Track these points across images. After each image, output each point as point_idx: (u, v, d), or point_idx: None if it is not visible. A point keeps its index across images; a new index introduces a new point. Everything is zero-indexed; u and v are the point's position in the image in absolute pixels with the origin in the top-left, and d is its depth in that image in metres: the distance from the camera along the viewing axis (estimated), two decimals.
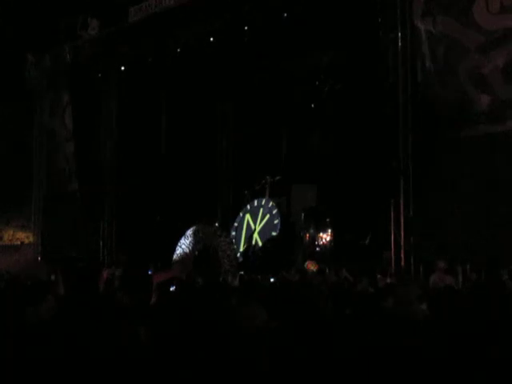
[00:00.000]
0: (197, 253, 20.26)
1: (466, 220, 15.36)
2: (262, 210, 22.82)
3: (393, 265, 16.45)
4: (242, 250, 22.42)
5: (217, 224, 23.63)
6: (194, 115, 24.73)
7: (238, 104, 24.70)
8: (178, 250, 20.68)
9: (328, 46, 20.83)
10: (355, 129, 20.41)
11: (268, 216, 22.49)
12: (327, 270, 16.31)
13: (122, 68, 24.18)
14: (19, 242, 26.93)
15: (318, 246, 20.81)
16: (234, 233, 23.33)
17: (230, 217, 24.69)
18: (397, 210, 17.02)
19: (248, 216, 23.23)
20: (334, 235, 20.73)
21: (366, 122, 19.50)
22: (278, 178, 22.86)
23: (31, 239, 26.68)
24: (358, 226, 19.64)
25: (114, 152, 24.75)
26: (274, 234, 22.01)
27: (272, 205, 22.49)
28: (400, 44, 17.41)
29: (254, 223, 22.89)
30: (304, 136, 23.17)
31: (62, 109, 25.74)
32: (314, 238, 20.94)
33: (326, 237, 20.82)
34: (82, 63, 24.68)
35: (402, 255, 16.58)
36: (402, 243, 16.68)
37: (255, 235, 22.63)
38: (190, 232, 20.90)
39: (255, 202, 23.16)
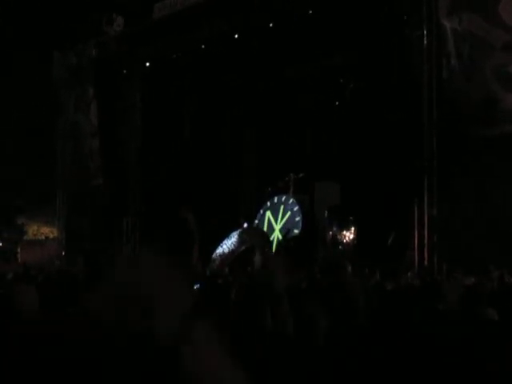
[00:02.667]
0: (238, 253, 20.15)
1: (491, 219, 15.28)
2: (282, 206, 22.74)
3: (416, 264, 16.38)
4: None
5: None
6: (218, 111, 24.74)
7: (263, 101, 24.64)
8: (219, 250, 20.64)
9: (353, 44, 20.73)
10: (379, 126, 20.31)
11: (289, 213, 22.41)
12: (350, 268, 16.20)
13: (147, 64, 24.26)
14: (44, 237, 27.10)
15: (341, 244, 20.74)
16: None
17: (253, 214, 24.64)
18: (421, 209, 16.96)
19: (269, 213, 23.16)
20: (357, 233, 20.66)
21: (390, 120, 19.41)
22: (301, 175, 22.78)
23: (56, 234, 26.84)
24: (382, 225, 19.54)
25: (139, 147, 24.83)
26: (295, 231, 21.93)
27: (293, 201, 22.40)
28: (425, 42, 17.34)
29: (276, 220, 22.83)
30: (327, 134, 23.10)
31: (86, 104, 25.86)
32: (337, 236, 20.86)
33: (349, 235, 20.75)
34: (107, 59, 24.80)
35: (426, 254, 16.52)
36: (426, 242, 16.62)
37: (276, 233, 22.57)
38: (234, 233, 20.87)
39: (275, 199, 23.08)
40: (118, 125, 25.06)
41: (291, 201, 22.41)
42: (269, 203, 23.16)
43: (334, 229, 20.82)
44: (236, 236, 20.54)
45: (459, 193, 16.09)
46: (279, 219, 22.63)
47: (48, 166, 26.43)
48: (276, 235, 22.37)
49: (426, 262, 16.39)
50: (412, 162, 17.40)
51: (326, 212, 21.30)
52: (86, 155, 25.94)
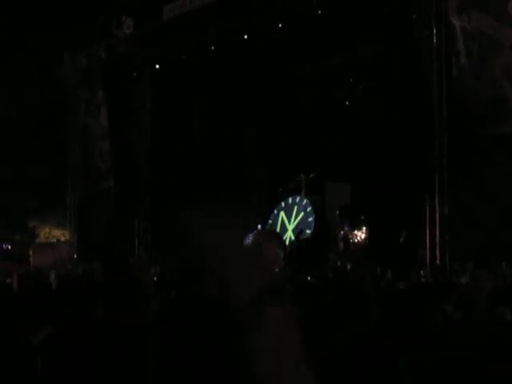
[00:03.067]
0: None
1: (503, 217, 15.27)
2: (296, 207, 22.78)
3: (428, 263, 16.39)
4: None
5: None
6: (228, 112, 24.77)
7: (274, 102, 24.66)
8: None
9: (362, 43, 20.75)
10: (390, 126, 20.32)
11: (302, 213, 22.44)
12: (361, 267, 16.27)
13: (157, 66, 24.33)
14: (55, 240, 27.17)
15: (353, 243, 20.76)
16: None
17: (264, 215, 24.67)
18: (432, 208, 16.97)
19: (282, 213, 23.20)
20: (368, 233, 20.67)
21: (400, 119, 19.42)
22: (312, 175, 22.80)
23: (67, 237, 26.92)
24: (393, 224, 19.56)
25: (149, 149, 24.89)
26: (308, 231, 21.97)
27: (306, 202, 22.43)
28: (435, 41, 17.34)
29: (289, 221, 22.87)
30: (338, 134, 23.11)
31: (96, 107, 25.94)
32: (349, 235, 20.88)
33: (360, 234, 20.76)
34: (117, 61, 24.88)
35: (438, 253, 16.52)
36: (438, 241, 16.63)
37: (289, 233, 22.61)
38: (250, 234, 20.93)
39: (290, 200, 23.12)
40: (127, 126, 25.14)
41: (305, 201, 22.46)
42: (283, 203, 23.23)
43: (346, 228, 20.84)
44: (251, 237, 20.56)
45: (470, 191, 16.09)
46: (292, 219, 22.68)
47: (59, 168, 26.51)
48: (289, 235, 22.41)
49: (437, 261, 16.39)
50: (422, 160, 17.41)
51: (337, 212, 21.33)
52: (96, 157, 26.01)
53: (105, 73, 25.42)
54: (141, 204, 24.79)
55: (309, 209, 22.27)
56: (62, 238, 27.18)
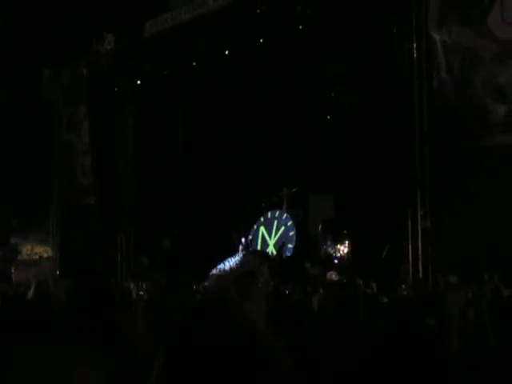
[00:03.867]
0: (236, 274, 20.02)
1: (485, 231, 15.29)
2: (276, 222, 22.77)
3: (411, 276, 16.39)
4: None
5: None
6: (211, 128, 24.75)
7: (255, 115, 24.67)
8: (220, 266, 20.64)
9: (343, 57, 20.81)
10: (372, 139, 20.37)
11: (283, 228, 22.43)
12: (345, 281, 16.23)
13: (138, 82, 24.29)
14: (38, 257, 27.03)
15: (336, 257, 20.75)
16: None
17: (247, 229, 24.64)
18: (414, 221, 16.98)
19: (262, 228, 23.18)
20: (351, 247, 20.67)
21: (382, 133, 19.47)
22: (294, 189, 22.80)
23: (50, 253, 26.80)
24: (376, 238, 19.57)
25: (131, 165, 24.82)
26: (290, 246, 21.95)
27: (286, 216, 22.42)
28: (415, 55, 17.39)
29: (270, 236, 22.85)
30: (320, 147, 23.13)
31: (78, 123, 25.89)
32: (332, 249, 20.87)
33: (343, 248, 20.76)
34: (99, 77, 24.82)
35: (420, 266, 16.53)
36: (420, 254, 16.64)
37: (271, 248, 22.58)
38: (240, 253, 20.91)
39: (269, 214, 23.10)
40: (109, 142, 25.05)
41: (285, 216, 22.44)
42: (262, 218, 23.19)
43: (329, 243, 20.84)
44: (241, 255, 20.58)
45: (452, 204, 16.12)
46: (273, 234, 22.65)
47: (42, 184, 26.42)
48: (270, 250, 22.38)
49: (420, 274, 16.39)
50: (404, 174, 17.43)
51: (320, 226, 21.32)
52: (79, 173, 25.94)
53: (86, 88, 25.36)
54: (124, 219, 24.69)
55: (289, 223, 22.25)
56: (45, 255, 27.05)
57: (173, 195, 24.61)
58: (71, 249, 25.69)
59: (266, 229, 23.03)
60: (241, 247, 22.14)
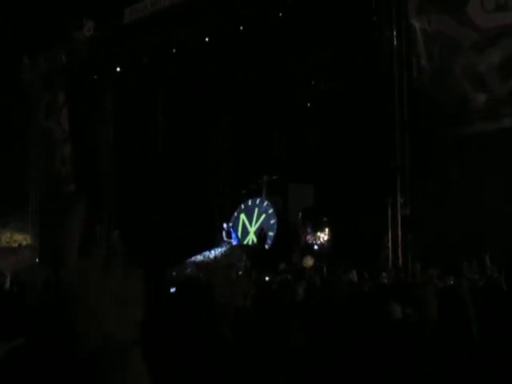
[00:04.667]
0: (220, 264, 20.16)
1: (463, 217, 15.36)
2: (257, 209, 22.82)
3: (390, 264, 16.44)
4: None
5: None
6: (191, 115, 24.69)
7: (235, 103, 24.64)
8: (205, 253, 20.75)
9: (324, 45, 20.80)
10: (352, 127, 20.39)
11: (264, 215, 22.49)
12: (324, 269, 16.32)
13: (118, 69, 24.16)
14: (17, 244, 26.88)
15: (316, 244, 20.80)
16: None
17: (227, 216, 24.65)
18: (394, 209, 17.03)
19: (243, 216, 23.24)
20: (331, 234, 20.73)
21: (362, 121, 19.49)
22: (274, 177, 22.84)
23: (29, 241, 26.65)
24: (356, 225, 19.62)
25: (111, 153, 24.71)
26: (271, 233, 22.00)
27: (267, 204, 22.48)
28: (395, 43, 17.41)
29: (250, 223, 22.89)
30: (300, 135, 23.15)
31: (57, 110, 25.71)
32: (312, 237, 20.92)
33: (323, 236, 20.82)
34: (78, 64, 24.65)
35: (400, 254, 16.59)
36: (400, 242, 16.69)
37: (251, 235, 22.63)
38: (228, 245, 21.05)
39: (249, 202, 23.16)
40: (89, 130, 24.91)
41: (265, 203, 22.50)
42: (243, 206, 23.23)
43: (308, 230, 20.89)
44: (226, 247, 20.63)
45: (432, 192, 16.17)
46: (254, 222, 22.69)
47: (20, 172, 26.26)
48: (251, 238, 22.42)
49: (400, 262, 16.45)
50: (384, 162, 17.47)
51: (300, 213, 21.37)
52: (57, 161, 25.78)
53: (65, 76, 25.19)
54: (103, 208, 24.58)
55: (270, 211, 22.32)
56: (24, 243, 26.90)
57: (153, 183, 24.55)
58: (50, 237, 25.55)
59: (246, 216, 23.08)
60: (224, 234, 22.23)
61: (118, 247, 20.39)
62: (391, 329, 5.43)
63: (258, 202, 22.88)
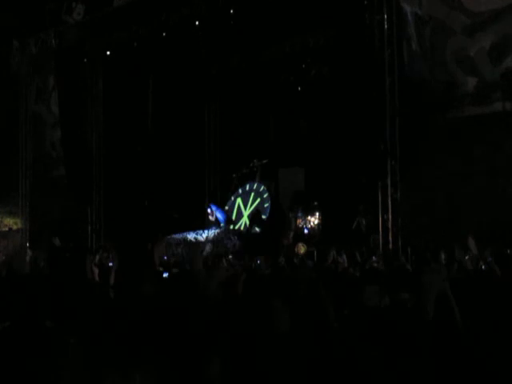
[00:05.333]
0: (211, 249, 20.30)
1: (454, 201, 15.42)
2: (253, 194, 22.89)
3: (380, 247, 16.49)
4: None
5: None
6: (181, 99, 24.65)
7: (225, 87, 24.62)
8: (192, 234, 20.84)
9: (314, 29, 20.76)
10: (342, 111, 20.40)
11: (259, 199, 22.57)
12: (315, 253, 16.39)
13: (108, 53, 24.06)
14: (7, 228, 26.85)
15: (307, 229, 20.83)
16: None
17: (218, 200, 24.67)
18: (384, 193, 17.06)
19: (239, 200, 23.31)
20: (321, 218, 20.77)
21: (352, 105, 19.50)
22: (265, 161, 22.86)
23: (19, 225, 26.63)
24: (346, 209, 19.67)
25: (101, 137, 24.65)
26: (263, 217, 22.06)
27: (263, 189, 22.56)
28: (386, 26, 17.38)
29: (245, 207, 22.96)
30: (291, 119, 23.16)
31: (47, 94, 25.61)
32: (302, 221, 20.96)
33: (313, 220, 20.85)
34: (68, 48, 24.54)
35: (390, 238, 16.63)
36: (390, 226, 16.74)
37: (245, 218, 22.69)
38: (222, 229, 21.21)
39: (247, 187, 23.25)
40: (79, 114, 24.84)
41: (262, 188, 22.60)
42: (240, 190, 23.35)
43: (299, 214, 20.93)
44: (220, 230, 20.75)
45: (422, 176, 16.23)
46: (248, 205, 22.78)
47: (10, 156, 26.20)
48: (244, 221, 22.52)
49: (390, 246, 16.50)
50: (375, 146, 17.48)
51: (291, 197, 21.42)
52: (47, 145, 25.71)
53: (55, 59, 25.09)
54: (94, 192, 24.56)
55: (265, 195, 22.40)
56: (14, 227, 26.87)
57: (143, 166, 24.55)
58: (41, 221, 25.51)
59: (242, 200, 23.18)
60: (209, 217, 22.34)
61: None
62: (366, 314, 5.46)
63: (255, 186, 22.97)
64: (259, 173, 22.84)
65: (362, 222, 19.45)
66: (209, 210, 22.96)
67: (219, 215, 22.69)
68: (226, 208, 23.46)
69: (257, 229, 21.77)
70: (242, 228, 22.59)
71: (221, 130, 25.82)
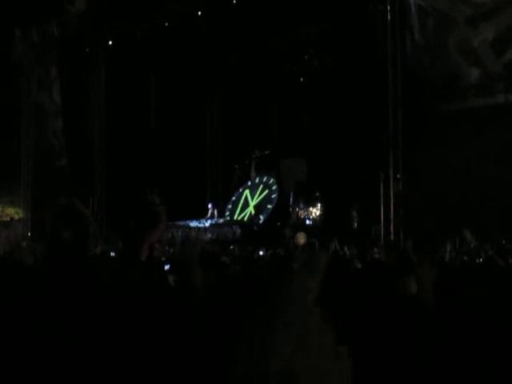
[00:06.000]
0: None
1: (455, 192, 15.39)
2: (261, 186, 23.01)
3: (382, 238, 16.48)
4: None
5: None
6: (183, 90, 24.61)
7: (228, 79, 24.58)
8: (195, 223, 21.01)
9: (317, 20, 20.70)
10: (344, 102, 20.35)
11: (267, 191, 22.68)
12: (316, 244, 16.37)
13: (110, 42, 24.03)
14: (9, 218, 26.82)
15: (308, 219, 20.84)
16: (230, 206, 23.62)
17: (219, 190, 24.69)
18: (386, 184, 17.05)
19: (247, 191, 23.43)
20: (323, 209, 20.77)
21: (355, 96, 19.46)
22: (267, 152, 22.86)
23: (21, 215, 26.59)
24: (348, 200, 19.67)
25: (103, 126, 24.63)
26: (269, 206, 22.17)
27: (273, 181, 22.68)
28: (389, 17, 17.35)
29: (252, 197, 23.06)
30: (293, 110, 23.12)
31: (49, 84, 25.56)
32: (304, 212, 20.97)
33: (315, 211, 20.85)
34: (70, 38, 24.50)
35: (392, 229, 16.62)
36: (392, 217, 16.72)
37: (250, 208, 22.75)
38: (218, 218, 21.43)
39: (257, 179, 23.38)
40: (81, 103, 24.83)
41: (272, 180, 22.72)
42: (250, 183, 23.49)
43: (301, 205, 20.93)
44: (221, 221, 20.84)
45: (424, 167, 16.20)
46: (256, 196, 22.87)
47: (12, 145, 26.16)
48: (249, 211, 22.60)
49: (392, 236, 16.49)
50: (377, 137, 17.45)
51: (293, 188, 21.43)
52: (49, 135, 25.68)
53: (57, 49, 25.04)
54: (95, 181, 24.56)
55: (274, 187, 22.52)
56: (16, 217, 26.85)
57: (145, 156, 24.53)
58: (43, 211, 25.50)
59: (250, 192, 23.26)
60: (210, 211, 22.48)
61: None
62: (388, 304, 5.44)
63: (265, 179, 23.11)
64: (253, 166, 22.92)
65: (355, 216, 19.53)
66: (209, 206, 23.13)
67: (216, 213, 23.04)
68: (233, 199, 23.56)
69: (261, 217, 21.86)
70: (246, 218, 22.67)
71: (223, 120, 25.80)
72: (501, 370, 4.50)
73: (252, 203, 22.98)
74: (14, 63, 26.12)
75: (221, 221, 21.42)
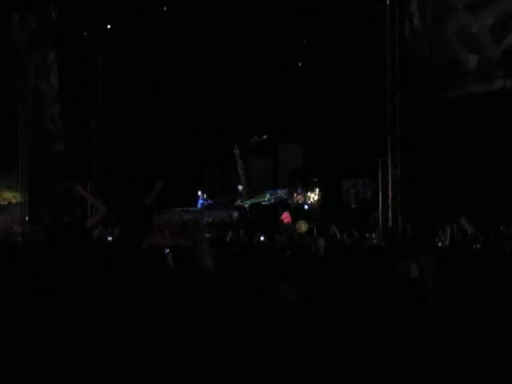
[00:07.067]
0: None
1: (453, 179, 15.42)
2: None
3: (380, 224, 16.52)
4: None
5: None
6: (181, 74, 24.58)
7: (226, 64, 24.53)
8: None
9: (315, 5, 20.67)
10: (343, 88, 20.35)
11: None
12: (315, 230, 16.41)
13: (108, 27, 23.98)
14: (6, 202, 26.84)
15: (307, 204, 20.88)
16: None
17: (217, 176, 24.71)
18: (384, 170, 17.07)
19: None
20: (321, 195, 20.81)
21: (353, 81, 19.46)
22: (264, 137, 22.87)
23: (18, 199, 26.60)
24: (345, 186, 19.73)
25: (100, 111, 24.61)
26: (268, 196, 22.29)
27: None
28: (388, 2, 17.32)
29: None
30: (291, 95, 23.11)
31: (47, 68, 25.52)
32: (302, 197, 21.01)
33: (313, 196, 20.89)
34: (67, 22, 24.43)
35: (390, 215, 16.65)
36: (390, 203, 16.75)
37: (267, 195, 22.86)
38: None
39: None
40: (79, 88, 24.80)
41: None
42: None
43: (299, 190, 20.99)
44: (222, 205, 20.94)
45: (422, 153, 16.23)
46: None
47: (9, 130, 26.14)
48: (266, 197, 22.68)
49: (390, 223, 16.53)
50: (375, 123, 17.47)
51: (290, 174, 21.48)
52: (47, 119, 25.66)
53: (55, 33, 24.98)
54: (92, 166, 24.55)
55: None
56: (13, 201, 26.86)
57: (143, 141, 24.52)
58: (40, 195, 25.50)
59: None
60: (200, 200, 22.55)
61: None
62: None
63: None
64: (239, 159, 23.04)
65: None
66: (199, 193, 23.20)
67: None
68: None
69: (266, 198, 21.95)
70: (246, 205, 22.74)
71: (221, 105, 25.77)
72: (501, 357, 4.55)
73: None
74: (11, 48, 26.07)
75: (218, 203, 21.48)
